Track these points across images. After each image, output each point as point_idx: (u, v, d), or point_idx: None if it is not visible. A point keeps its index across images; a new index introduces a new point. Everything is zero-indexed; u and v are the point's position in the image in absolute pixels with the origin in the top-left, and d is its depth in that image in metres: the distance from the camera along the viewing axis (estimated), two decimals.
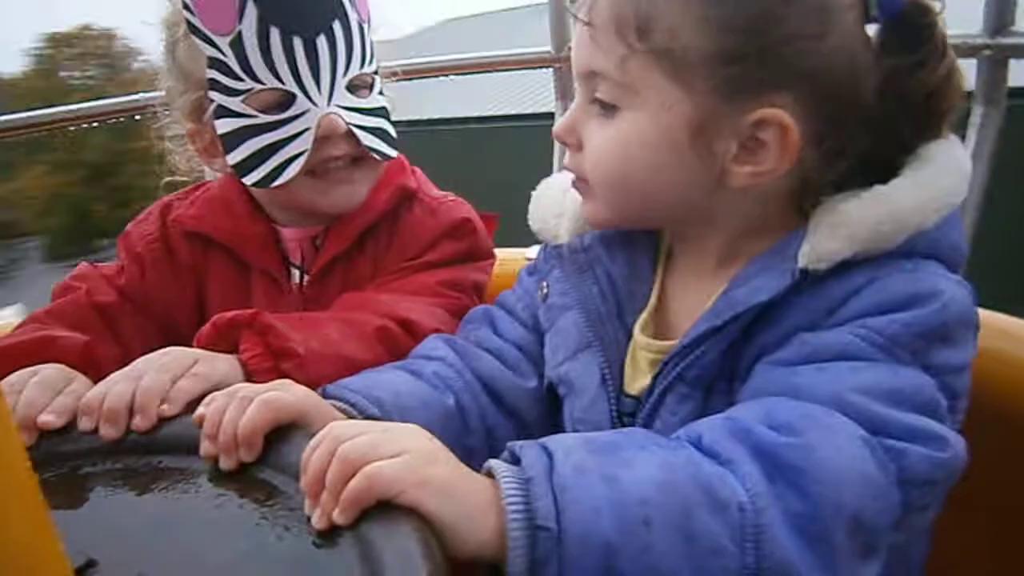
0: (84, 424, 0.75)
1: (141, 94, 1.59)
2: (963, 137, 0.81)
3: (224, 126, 1.04)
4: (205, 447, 0.70)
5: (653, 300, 0.83)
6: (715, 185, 0.73)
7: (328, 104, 1.03)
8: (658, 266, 0.85)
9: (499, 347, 0.93)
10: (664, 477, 0.58)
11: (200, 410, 0.72)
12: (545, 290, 0.92)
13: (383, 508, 0.57)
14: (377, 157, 1.08)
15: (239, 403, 0.69)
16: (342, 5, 1.03)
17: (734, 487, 0.58)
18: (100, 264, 1.16)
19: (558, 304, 0.89)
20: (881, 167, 0.72)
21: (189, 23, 1.01)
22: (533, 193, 0.94)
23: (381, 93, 1.11)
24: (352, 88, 1.06)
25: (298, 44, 1.00)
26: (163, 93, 1.14)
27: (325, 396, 0.78)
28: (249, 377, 0.84)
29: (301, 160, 1.02)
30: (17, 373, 0.82)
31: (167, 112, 1.16)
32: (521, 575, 0.56)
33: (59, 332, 0.96)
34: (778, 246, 0.72)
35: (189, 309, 1.13)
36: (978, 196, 1.41)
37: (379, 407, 0.78)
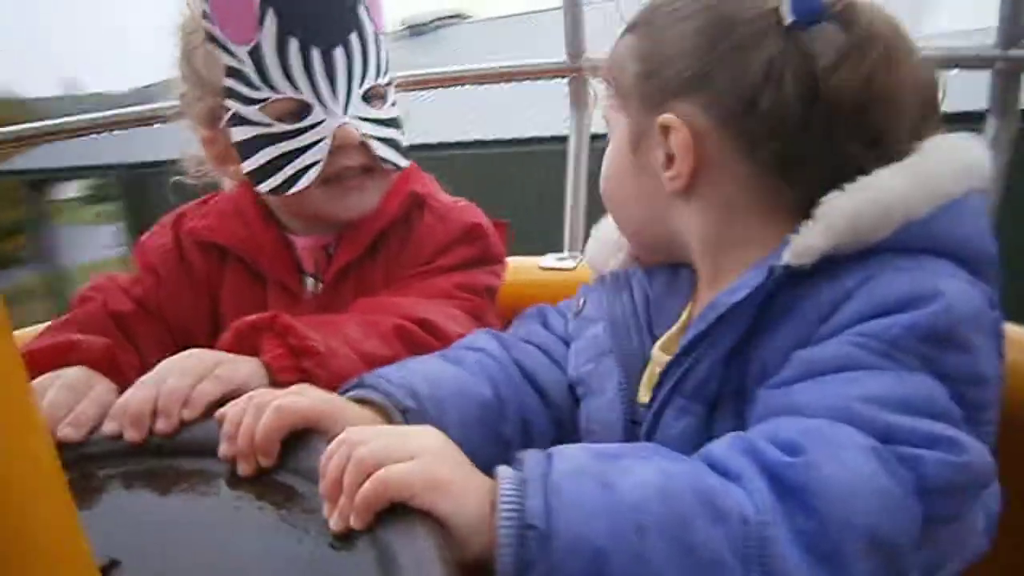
0: (109, 428, 0.77)
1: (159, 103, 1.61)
2: None
3: (240, 134, 1.06)
4: (223, 449, 0.71)
5: (682, 319, 0.84)
6: (667, 197, 0.80)
7: (344, 114, 1.06)
8: (695, 287, 0.86)
9: (546, 341, 0.96)
10: (662, 484, 0.57)
11: (221, 411, 0.73)
12: (580, 306, 0.94)
13: (400, 511, 0.58)
14: (390, 167, 1.10)
15: (255, 409, 0.71)
16: (358, 17, 1.06)
17: (739, 499, 0.57)
18: (117, 275, 1.18)
19: (590, 317, 0.92)
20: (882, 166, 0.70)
21: (208, 32, 1.03)
22: (593, 231, 1.00)
23: (393, 104, 1.13)
24: (367, 99, 1.08)
25: (316, 55, 1.03)
26: (176, 100, 1.16)
27: (362, 385, 0.80)
28: (272, 378, 0.85)
29: (317, 169, 1.05)
30: (41, 377, 0.84)
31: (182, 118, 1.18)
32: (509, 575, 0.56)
33: (80, 336, 0.98)
34: (771, 253, 0.70)
35: (204, 319, 1.14)
36: (990, 209, 1.40)
37: (415, 399, 0.79)
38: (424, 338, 0.97)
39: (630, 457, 0.61)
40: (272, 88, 1.03)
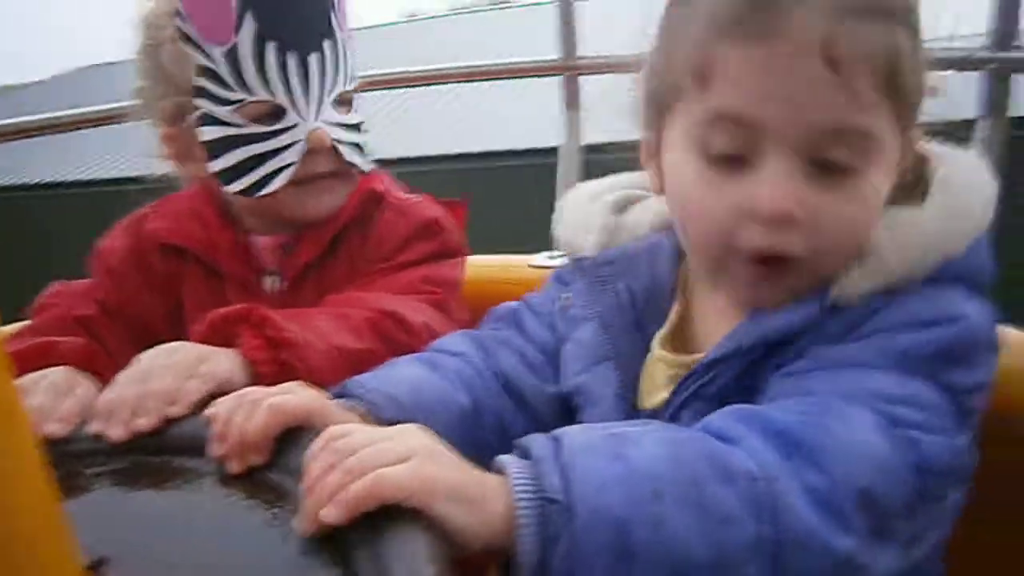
0: (94, 426, 0.76)
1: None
2: None
3: (210, 133, 1.06)
4: (214, 448, 0.70)
5: (675, 313, 0.83)
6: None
7: (315, 119, 1.07)
8: (680, 277, 0.84)
9: (523, 348, 0.93)
10: (672, 452, 0.59)
11: (210, 410, 0.73)
12: (566, 301, 0.92)
13: (389, 510, 0.58)
14: (356, 171, 1.12)
15: (248, 407, 0.70)
16: (331, 25, 1.07)
17: (742, 458, 0.59)
18: (72, 283, 1.17)
19: (578, 315, 0.89)
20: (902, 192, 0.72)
21: (180, 30, 1.03)
22: (559, 203, 0.94)
23: (356, 110, 1.16)
24: (336, 105, 1.10)
25: (292, 60, 1.04)
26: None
27: (344, 394, 0.79)
28: (251, 370, 0.85)
29: (289, 172, 1.06)
30: (25, 377, 0.83)
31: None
32: (532, 555, 0.56)
33: (57, 338, 0.98)
34: None
35: (166, 320, 1.14)
36: None
37: (398, 408, 0.79)
38: (394, 331, 0.97)
39: (634, 431, 0.62)
40: (247, 90, 1.04)
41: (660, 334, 0.83)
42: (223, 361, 0.84)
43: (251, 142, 1.05)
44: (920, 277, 0.69)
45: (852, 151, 0.66)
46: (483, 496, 0.58)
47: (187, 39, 1.03)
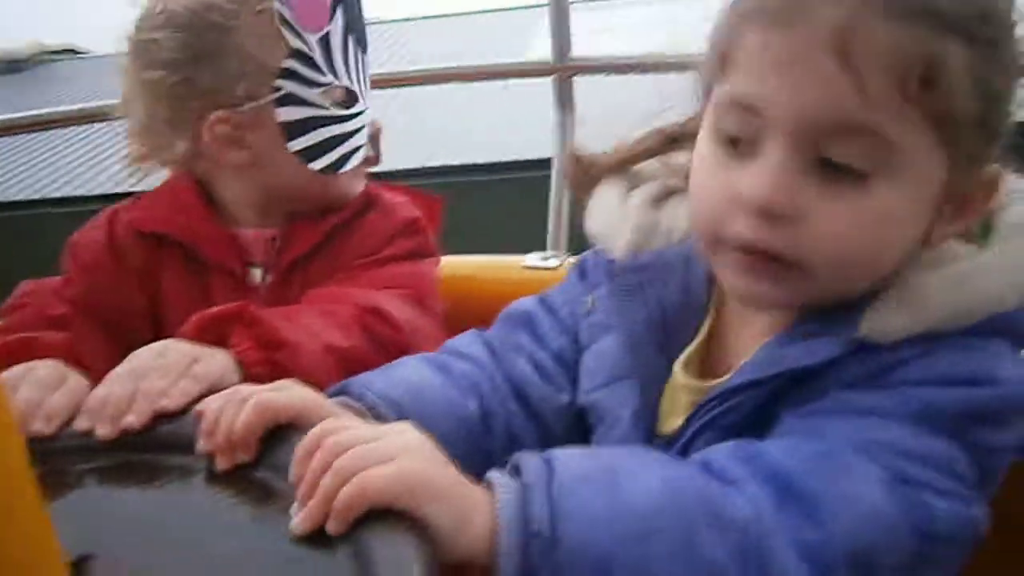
0: (82, 423, 0.75)
1: None
2: None
3: (291, 114, 1.10)
4: (201, 444, 0.70)
5: (703, 335, 0.79)
6: (917, 244, 0.66)
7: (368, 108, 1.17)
8: (713, 296, 0.79)
9: (536, 354, 0.88)
10: (666, 491, 0.57)
11: (199, 407, 0.72)
12: (590, 305, 0.86)
13: (383, 517, 0.57)
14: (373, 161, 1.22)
15: (236, 404, 0.69)
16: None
17: (738, 506, 0.57)
18: (44, 280, 1.14)
19: (602, 323, 0.84)
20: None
21: (279, 14, 1.07)
22: (592, 197, 0.87)
23: None
24: None
25: (360, 55, 1.16)
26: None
27: (346, 393, 0.78)
28: (243, 371, 0.84)
29: (361, 153, 1.16)
30: (11, 370, 0.81)
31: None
32: None
33: (36, 333, 0.97)
34: (841, 305, 0.67)
35: (143, 313, 1.13)
36: None
37: (397, 411, 0.77)
38: (380, 327, 0.99)
39: (632, 462, 0.60)
40: (335, 75, 1.12)
41: (685, 353, 0.78)
42: (216, 362, 0.83)
43: (333, 123, 1.13)
44: (963, 328, 0.64)
45: (859, 152, 0.61)
46: (467, 508, 0.57)
47: (285, 22, 1.08)
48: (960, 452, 0.62)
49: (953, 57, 0.59)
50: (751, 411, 0.70)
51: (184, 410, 0.75)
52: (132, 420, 0.73)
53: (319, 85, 1.11)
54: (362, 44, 1.16)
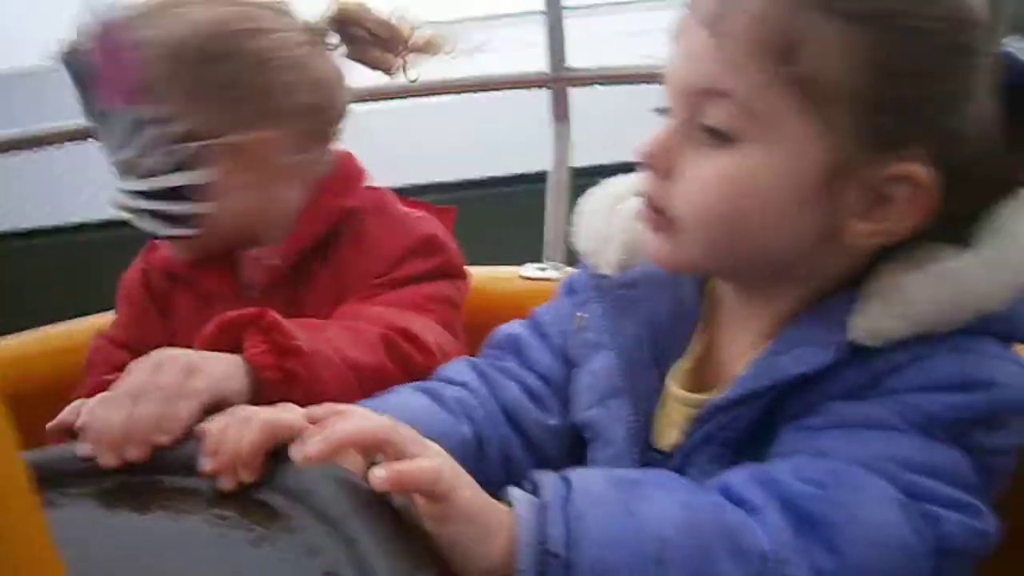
0: (84, 451, 0.73)
1: None
2: None
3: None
4: (205, 464, 0.69)
5: (695, 348, 0.79)
6: (824, 240, 0.67)
7: None
8: (704, 310, 0.80)
9: (525, 378, 0.88)
10: (684, 517, 0.57)
11: (201, 426, 0.71)
12: (582, 322, 0.86)
13: (384, 531, 0.57)
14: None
15: (240, 423, 0.68)
16: None
17: (757, 535, 0.57)
18: (103, 332, 1.20)
19: (593, 341, 0.84)
20: (947, 230, 0.67)
21: None
22: (578, 208, 0.88)
23: None
24: None
25: None
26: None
27: None
28: (252, 375, 0.82)
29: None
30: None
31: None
32: None
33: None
34: (825, 311, 0.68)
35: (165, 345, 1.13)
36: None
37: None
38: (406, 348, 0.95)
39: (650, 485, 0.61)
40: None
41: (677, 368, 0.79)
42: (215, 366, 0.80)
43: None
44: (952, 328, 0.64)
45: (725, 117, 0.65)
46: (489, 527, 0.57)
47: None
48: (963, 457, 0.62)
49: (820, 32, 0.62)
50: (749, 423, 0.70)
51: (183, 436, 0.74)
52: (133, 453, 0.72)
53: None
54: None
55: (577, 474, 0.60)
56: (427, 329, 1.00)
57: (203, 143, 1.01)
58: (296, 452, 0.59)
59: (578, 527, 0.56)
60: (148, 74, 0.99)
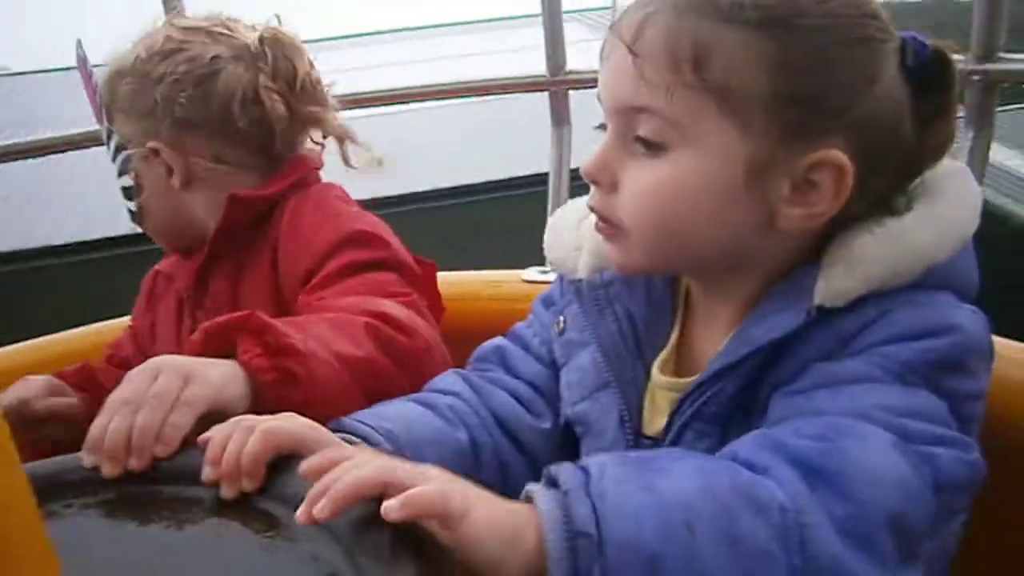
0: (88, 461, 0.73)
1: None
2: None
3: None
4: (207, 472, 0.69)
5: (674, 338, 0.82)
6: (763, 228, 0.72)
7: None
8: (678, 302, 0.83)
9: (514, 386, 0.92)
10: (701, 482, 0.59)
11: (204, 435, 0.71)
12: (562, 325, 0.90)
13: (387, 546, 0.57)
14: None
15: (242, 432, 0.68)
16: None
17: (772, 490, 0.59)
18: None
19: (576, 340, 0.87)
20: (892, 199, 0.73)
21: None
22: (548, 222, 0.93)
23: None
24: None
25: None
26: None
27: (337, 430, 0.77)
28: (251, 379, 0.82)
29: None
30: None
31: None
32: None
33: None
34: (793, 282, 0.72)
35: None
36: None
37: (391, 441, 0.78)
38: (391, 334, 0.95)
39: (663, 458, 0.62)
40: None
41: (660, 358, 0.82)
42: (212, 375, 0.80)
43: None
44: (905, 283, 0.69)
45: (652, 129, 0.70)
46: (516, 530, 0.57)
47: None
48: (938, 400, 0.66)
49: (726, 41, 0.68)
50: (733, 398, 0.73)
51: (183, 445, 0.74)
52: (135, 464, 0.72)
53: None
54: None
55: (591, 460, 0.61)
56: (398, 309, 1.00)
57: (129, 152, 1.18)
58: (303, 516, 0.58)
59: (603, 505, 0.56)
60: (102, 96, 1.20)
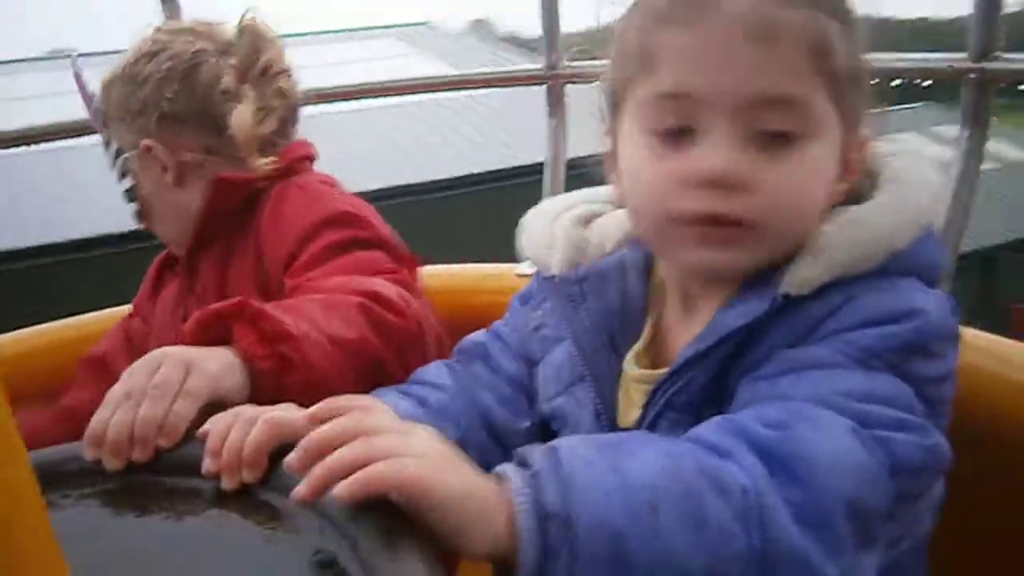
0: (90, 455, 0.73)
1: None
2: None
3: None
4: (207, 464, 0.69)
5: (647, 332, 0.84)
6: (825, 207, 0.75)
7: None
8: (651, 296, 0.85)
9: (494, 383, 0.94)
10: (668, 464, 0.60)
11: (205, 427, 0.71)
12: (537, 321, 0.92)
13: (385, 530, 0.57)
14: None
15: (244, 423, 0.69)
16: None
17: (735, 472, 0.60)
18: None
19: (551, 336, 0.90)
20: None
21: None
22: (521, 221, 0.94)
23: None
24: None
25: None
26: None
27: None
28: (248, 367, 0.83)
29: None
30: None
31: None
32: (532, 567, 0.56)
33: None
34: (764, 274, 0.73)
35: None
36: (962, 217, 1.42)
37: None
38: (382, 313, 0.96)
39: (631, 442, 0.64)
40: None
41: (633, 351, 0.83)
42: (211, 364, 0.80)
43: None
44: (869, 268, 0.71)
45: (786, 118, 0.71)
46: (486, 505, 0.58)
47: None
48: (902, 384, 0.68)
49: (834, 32, 0.71)
50: (703, 386, 0.75)
51: (185, 436, 0.73)
52: (138, 456, 0.72)
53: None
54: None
55: (561, 442, 0.63)
56: (387, 287, 1.00)
57: (125, 155, 1.21)
58: (300, 493, 0.59)
59: (572, 487, 0.57)
60: (98, 105, 1.24)
